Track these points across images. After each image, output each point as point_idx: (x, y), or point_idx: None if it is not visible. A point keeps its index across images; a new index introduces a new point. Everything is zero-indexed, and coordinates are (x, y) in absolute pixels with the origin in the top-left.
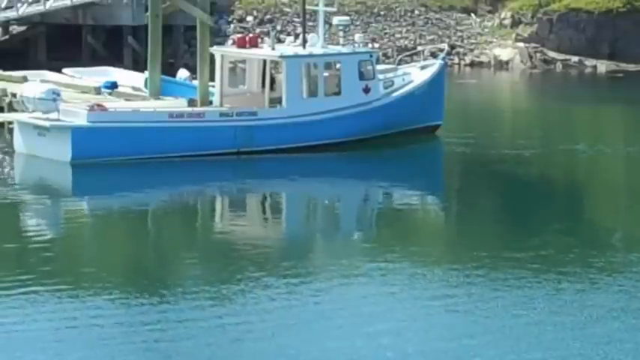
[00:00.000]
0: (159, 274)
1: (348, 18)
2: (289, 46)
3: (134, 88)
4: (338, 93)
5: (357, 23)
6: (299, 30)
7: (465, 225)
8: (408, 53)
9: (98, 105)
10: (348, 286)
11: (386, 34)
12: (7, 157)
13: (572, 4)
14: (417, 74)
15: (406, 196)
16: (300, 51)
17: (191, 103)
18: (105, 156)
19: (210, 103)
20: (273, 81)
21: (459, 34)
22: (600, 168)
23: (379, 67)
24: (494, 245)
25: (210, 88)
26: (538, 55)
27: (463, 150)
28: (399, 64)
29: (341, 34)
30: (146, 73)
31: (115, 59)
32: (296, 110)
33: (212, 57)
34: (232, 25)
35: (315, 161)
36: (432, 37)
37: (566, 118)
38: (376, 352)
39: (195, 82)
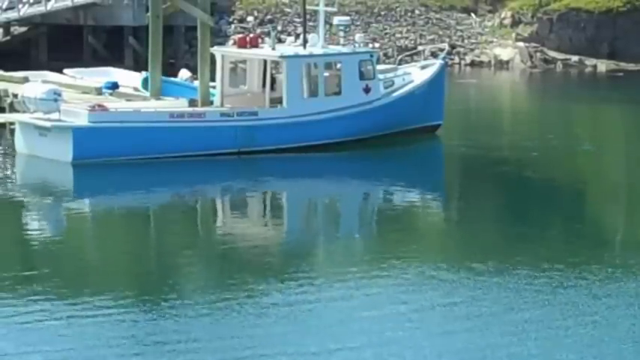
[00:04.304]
0: (160, 274)
1: (348, 18)
2: (290, 46)
3: (135, 89)
4: (338, 93)
5: (358, 23)
6: (299, 30)
7: (466, 225)
8: (408, 53)
9: (99, 105)
10: (350, 287)
11: (386, 34)
12: (8, 158)
13: (572, 4)
14: (417, 74)
15: (406, 196)
16: (301, 51)
17: (192, 103)
18: (106, 156)
19: (211, 103)
20: (273, 81)
21: (459, 33)
22: (601, 167)
23: (379, 67)
24: (495, 245)
25: (211, 89)
26: (538, 54)
27: (463, 150)
28: (399, 63)
29: (341, 34)
30: (143, 74)
31: (115, 60)
32: (296, 110)
33: (213, 57)
34: (233, 26)
35: (315, 161)
36: (432, 36)
37: (567, 118)
38: (379, 355)
39: (196, 83)
